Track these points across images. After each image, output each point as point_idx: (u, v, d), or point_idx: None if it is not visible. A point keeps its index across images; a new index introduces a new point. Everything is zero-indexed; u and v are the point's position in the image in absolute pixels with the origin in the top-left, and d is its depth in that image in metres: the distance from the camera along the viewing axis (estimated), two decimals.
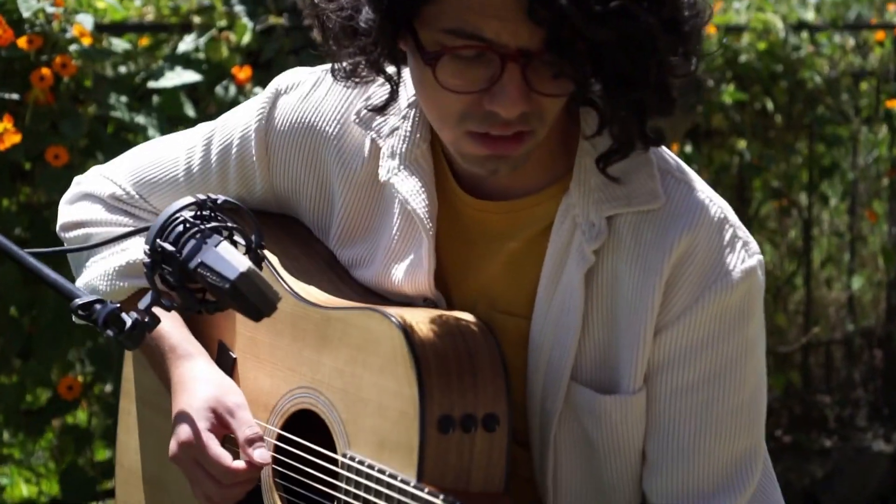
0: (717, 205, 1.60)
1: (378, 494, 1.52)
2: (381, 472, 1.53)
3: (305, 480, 1.66)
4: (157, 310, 1.81)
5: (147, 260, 1.53)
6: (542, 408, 1.63)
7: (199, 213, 1.55)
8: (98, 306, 1.56)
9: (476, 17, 1.43)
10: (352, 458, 1.57)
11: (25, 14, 2.76)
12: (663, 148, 1.64)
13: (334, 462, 1.60)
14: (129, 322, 1.54)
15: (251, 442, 1.64)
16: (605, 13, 1.37)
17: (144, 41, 3.14)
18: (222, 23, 3.11)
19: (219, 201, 1.56)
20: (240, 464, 1.64)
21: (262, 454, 1.63)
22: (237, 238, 1.54)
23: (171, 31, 3.13)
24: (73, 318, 1.85)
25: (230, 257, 1.47)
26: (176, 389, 1.72)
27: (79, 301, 1.60)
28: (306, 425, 1.68)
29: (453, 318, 1.60)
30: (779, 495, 1.70)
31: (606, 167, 1.56)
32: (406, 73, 1.60)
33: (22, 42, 2.74)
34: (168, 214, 1.54)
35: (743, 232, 1.61)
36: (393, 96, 1.60)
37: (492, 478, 1.55)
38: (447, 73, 1.47)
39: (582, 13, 1.37)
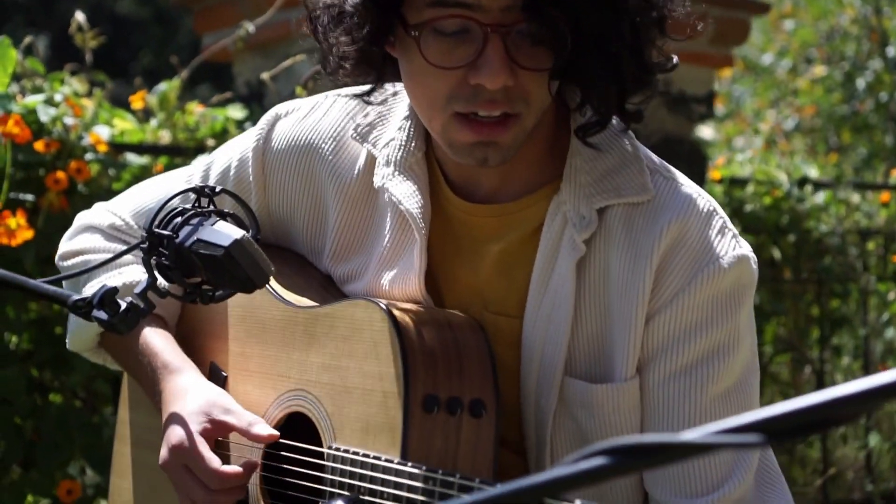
0: (706, 198, 1.63)
1: (362, 478, 1.50)
2: (365, 455, 1.50)
3: (294, 481, 1.62)
4: (152, 332, 1.82)
5: (143, 245, 1.55)
6: (537, 406, 1.61)
7: (197, 200, 1.58)
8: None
9: None
10: (336, 449, 1.55)
11: (44, 119, 2.85)
12: (651, 153, 1.68)
13: (320, 456, 1.57)
14: (123, 305, 1.55)
15: (253, 424, 1.62)
16: None
17: (160, 168, 3.22)
18: None
19: (217, 189, 1.59)
20: (230, 468, 1.62)
21: (265, 428, 1.61)
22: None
23: (186, 154, 3.21)
24: (68, 334, 1.87)
25: (225, 229, 1.50)
26: (167, 401, 1.71)
27: (75, 297, 1.61)
28: (298, 429, 1.65)
29: (440, 312, 1.61)
30: (776, 467, 1.69)
31: (587, 137, 1.59)
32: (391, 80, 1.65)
33: (39, 145, 2.82)
34: (166, 199, 1.57)
35: (731, 225, 1.63)
36: (380, 81, 1.65)
37: (479, 468, 1.52)
38: (433, 51, 1.52)
39: None
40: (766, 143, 4.87)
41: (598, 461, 1.00)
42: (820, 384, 4.57)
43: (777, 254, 4.29)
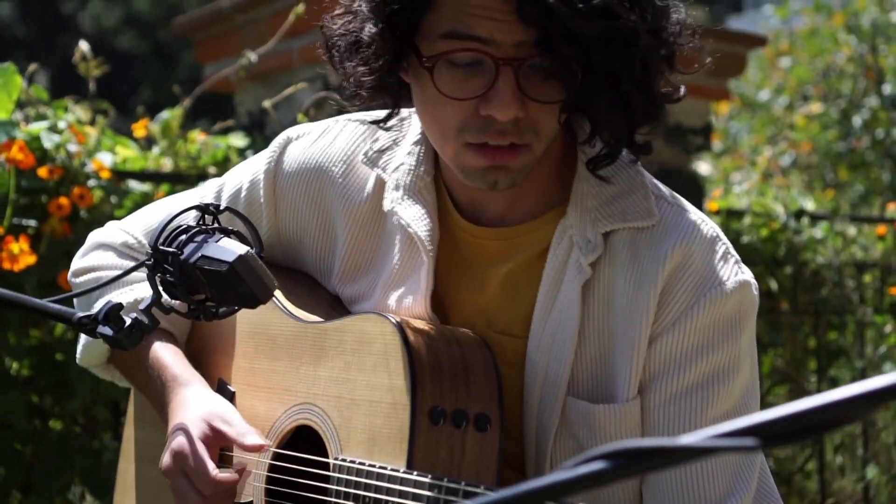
0: (710, 225, 1.66)
1: (367, 488, 1.51)
2: (371, 465, 1.52)
3: (299, 493, 1.64)
4: (162, 346, 1.84)
5: (149, 262, 1.58)
6: (539, 424, 1.63)
7: (202, 218, 1.60)
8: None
9: (470, 18, 1.52)
10: (342, 460, 1.56)
11: (47, 145, 2.88)
12: (657, 181, 1.70)
13: (325, 467, 1.59)
14: (128, 321, 1.57)
15: (245, 434, 1.63)
16: (590, 10, 1.47)
17: (161, 195, 3.24)
18: None
19: (221, 207, 1.62)
20: (223, 474, 1.63)
21: (255, 438, 1.63)
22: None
23: (188, 181, 3.24)
24: (79, 357, 1.88)
25: (229, 245, 1.52)
26: (173, 411, 1.73)
27: (79, 314, 1.62)
28: (305, 442, 1.67)
29: (448, 329, 1.63)
30: (776, 492, 1.70)
31: (597, 170, 1.61)
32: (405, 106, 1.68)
33: (43, 171, 2.85)
34: (170, 217, 1.59)
35: (734, 252, 1.66)
36: (395, 107, 1.68)
37: (483, 480, 1.53)
38: (446, 82, 1.55)
39: (568, 10, 1.46)
40: (762, 176, 4.92)
41: (599, 465, 1.01)
42: None
43: (774, 285, 4.31)
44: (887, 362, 4.76)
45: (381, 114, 1.73)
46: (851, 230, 4.69)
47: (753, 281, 1.65)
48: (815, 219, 4.59)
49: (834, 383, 4.63)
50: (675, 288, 1.60)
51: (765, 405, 4.46)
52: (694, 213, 1.67)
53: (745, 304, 1.63)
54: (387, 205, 1.72)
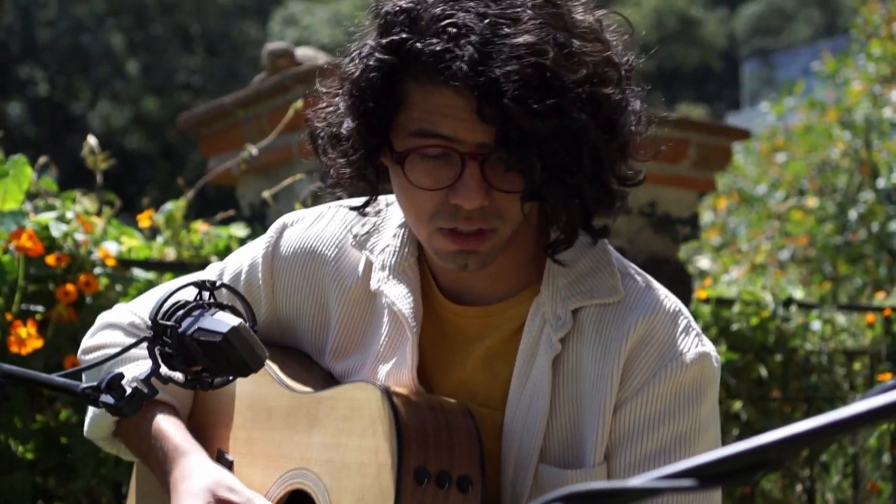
0: (672, 300, 1.77)
1: None
2: None
3: None
4: (164, 418, 1.94)
5: (149, 334, 1.68)
6: (514, 491, 1.73)
7: (199, 294, 1.71)
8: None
9: (437, 118, 1.65)
10: None
11: (55, 234, 3.00)
12: (623, 259, 1.82)
13: None
14: (128, 390, 1.67)
15: (251, 501, 1.73)
16: (543, 110, 1.59)
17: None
18: None
19: (217, 284, 1.73)
20: None
21: (263, 503, 1.71)
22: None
23: (191, 270, 3.35)
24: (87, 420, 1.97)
25: (224, 318, 1.63)
26: (176, 481, 1.82)
27: (83, 385, 1.73)
28: None
29: (433, 397, 1.74)
30: None
31: (555, 254, 1.73)
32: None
33: (51, 259, 2.97)
34: (169, 292, 1.70)
35: (696, 325, 1.77)
36: (373, 195, 1.81)
37: None
38: (417, 173, 1.68)
39: (523, 110, 1.59)
40: (751, 265, 5.05)
41: None
42: (811, 502, 4.63)
43: (764, 372, 4.40)
44: (880, 449, 4.82)
45: (371, 218, 1.87)
46: (841, 319, 4.79)
47: (714, 353, 1.76)
48: (803, 307, 4.69)
49: (825, 468, 4.69)
50: (637, 359, 1.71)
51: (758, 492, 4.52)
52: (658, 288, 1.78)
53: (706, 374, 1.73)
54: (373, 284, 1.84)
